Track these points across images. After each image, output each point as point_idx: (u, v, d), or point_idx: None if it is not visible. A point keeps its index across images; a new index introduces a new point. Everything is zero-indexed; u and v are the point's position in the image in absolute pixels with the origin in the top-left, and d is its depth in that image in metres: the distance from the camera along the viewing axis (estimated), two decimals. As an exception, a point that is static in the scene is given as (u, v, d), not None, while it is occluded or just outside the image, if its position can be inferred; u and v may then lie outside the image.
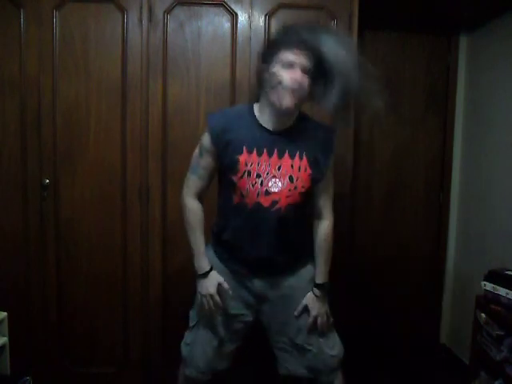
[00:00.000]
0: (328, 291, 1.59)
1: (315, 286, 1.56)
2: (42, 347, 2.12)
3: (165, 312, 2.13)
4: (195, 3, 2.03)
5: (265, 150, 1.43)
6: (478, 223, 2.49)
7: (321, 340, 1.58)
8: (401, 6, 2.43)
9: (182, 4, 2.02)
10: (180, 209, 1.60)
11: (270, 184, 1.43)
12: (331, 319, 1.62)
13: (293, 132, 1.46)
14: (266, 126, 1.45)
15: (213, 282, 1.52)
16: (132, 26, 2.01)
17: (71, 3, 1.99)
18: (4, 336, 1.99)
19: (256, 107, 1.48)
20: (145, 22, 2.01)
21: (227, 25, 2.04)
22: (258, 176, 1.43)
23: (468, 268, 2.58)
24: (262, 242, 1.49)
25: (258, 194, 1.43)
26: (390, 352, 2.68)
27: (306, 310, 1.55)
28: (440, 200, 2.73)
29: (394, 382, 2.43)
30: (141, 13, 2.00)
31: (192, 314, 1.65)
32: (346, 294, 2.17)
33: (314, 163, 1.46)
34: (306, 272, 1.59)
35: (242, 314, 1.60)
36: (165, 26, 2.02)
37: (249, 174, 1.42)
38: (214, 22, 2.04)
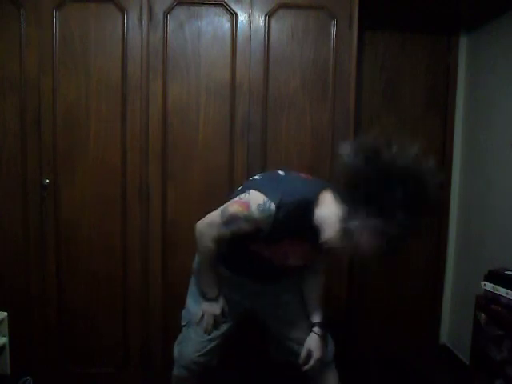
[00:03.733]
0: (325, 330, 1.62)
1: (316, 325, 1.59)
2: (41, 347, 2.12)
3: (165, 312, 2.13)
4: (195, 3, 2.03)
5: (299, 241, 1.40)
6: (478, 223, 2.49)
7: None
8: (401, 6, 2.43)
9: (182, 4, 2.02)
10: (199, 240, 1.48)
11: (283, 262, 1.46)
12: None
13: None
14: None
15: (220, 305, 1.60)
16: (132, 26, 2.01)
17: (71, 3, 1.99)
18: (4, 336, 1.99)
19: (320, 208, 1.30)
20: (145, 22, 2.01)
21: (227, 25, 2.04)
22: (285, 254, 1.43)
23: (468, 268, 2.57)
24: (261, 281, 1.58)
25: (274, 258, 1.45)
26: (390, 352, 2.68)
27: (310, 352, 1.56)
28: (440, 200, 2.72)
29: (394, 381, 2.42)
30: (141, 13, 2.00)
31: (184, 313, 1.68)
32: (345, 294, 2.17)
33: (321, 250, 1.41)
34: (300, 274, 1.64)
35: (233, 312, 1.64)
36: (165, 25, 2.02)
37: (279, 251, 1.42)
38: (214, 22, 2.04)
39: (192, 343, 1.62)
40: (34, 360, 2.12)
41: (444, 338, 2.79)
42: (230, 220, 1.35)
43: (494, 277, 1.94)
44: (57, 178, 2.05)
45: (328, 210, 1.26)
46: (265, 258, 1.44)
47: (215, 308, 1.59)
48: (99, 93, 2.03)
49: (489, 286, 1.94)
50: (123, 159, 2.06)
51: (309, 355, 1.55)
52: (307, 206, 1.29)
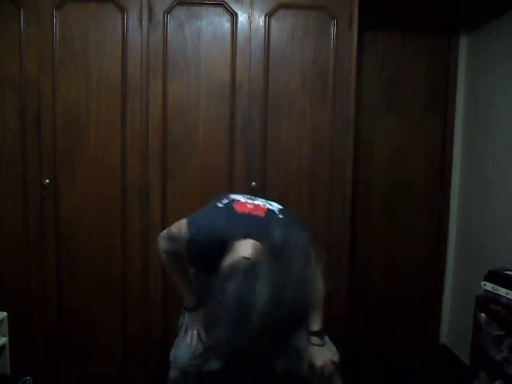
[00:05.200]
0: (324, 338, 1.56)
1: (311, 334, 1.53)
2: (41, 347, 2.12)
3: (165, 312, 2.13)
4: (195, 3, 2.03)
5: None
6: (478, 223, 2.49)
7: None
8: (401, 6, 2.43)
9: (182, 4, 2.02)
10: (158, 253, 1.58)
11: None
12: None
13: None
14: None
15: (201, 317, 1.57)
16: (132, 26, 2.01)
17: (71, 3, 1.99)
18: (4, 336, 1.99)
19: None
20: (145, 22, 2.01)
21: (227, 25, 2.04)
22: None
23: (468, 268, 2.57)
24: None
25: None
26: (390, 352, 2.68)
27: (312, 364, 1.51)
28: (440, 200, 2.73)
29: (394, 381, 2.43)
30: (141, 13, 2.00)
31: (181, 318, 1.67)
32: (345, 294, 2.17)
33: None
34: None
35: None
36: (165, 25, 2.02)
37: None
38: (214, 22, 2.04)
39: (186, 346, 1.60)
40: (34, 360, 2.12)
41: (444, 338, 2.79)
42: (168, 236, 1.51)
43: (494, 277, 1.94)
44: (57, 178, 2.05)
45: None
46: None
47: (196, 320, 1.57)
48: (99, 93, 2.03)
49: (489, 286, 1.94)
50: (123, 159, 2.06)
51: (312, 367, 1.49)
52: (220, 248, 1.29)
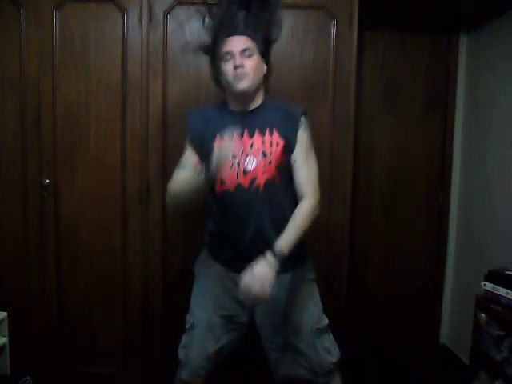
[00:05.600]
0: (281, 264, 1.41)
1: (271, 252, 1.39)
2: (41, 347, 2.12)
3: (165, 312, 2.13)
4: (195, 3, 2.02)
5: (236, 133, 1.42)
6: (478, 223, 2.49)
7: (316, 342, 1.57)
8: (401, 6, 2.43)
9: (182, 4, 2.02)
10: (168, 202, 1.63)
11: (245, 163, 1.48)
12: (325, 321, 1.61)
13: (261, 110, 1.53)
14: (234, 110, 1.53)
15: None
16: (132, 26, 2.01)
17: (71, 3, 1.98)
18: (4, 336, 1.99)
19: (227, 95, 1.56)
20: (145, 22, 2.01)
21: (227, 25, 2.04)
22: (234, 157, 1.45)
23: (468, 268, 2.57)
24: (249, 225, 1.50)
25: (237, 175, 1.48)
26: (390, 352, 2.68)
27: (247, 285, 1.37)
28: (440, 200, 2.73)
29: (394, 381, 2.43)
30: (141, 13, 2.00)
31: (188, 316, 1.65)
32: (345, 294, 2.17)
33: (284, 135, 1.50)
34: (300, 272, 1.60)
35: (238, 315, 1.61)
36: (165, 25, 2.02)
37: None
38: (214, 22, 2.04)
39: (198, 347, 1.58)
40: (34, 360, 2.12)
41: (444, 338, 2.79)
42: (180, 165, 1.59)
43: (494, 277, 1.94)
44: (57, 178, 2.05)
45: None
46: (235, 190, 1.47)
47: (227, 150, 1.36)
48: (99, 93, 2.03)
49: (489, 286, 1.94)
50: (123, 159, 2.06)
51: (247, 288, 1.36)
52: (220, 102, 1.59)
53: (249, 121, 1.50)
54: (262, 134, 1.49)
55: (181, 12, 2.02)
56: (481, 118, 2.48)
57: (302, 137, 1.52)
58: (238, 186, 1.48)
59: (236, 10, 1.47)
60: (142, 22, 2.01)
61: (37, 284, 2.09)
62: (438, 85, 2.66)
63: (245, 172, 1.47)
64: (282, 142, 1.49)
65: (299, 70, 2.07)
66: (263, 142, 1.49)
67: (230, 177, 1.48)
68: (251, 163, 1.47)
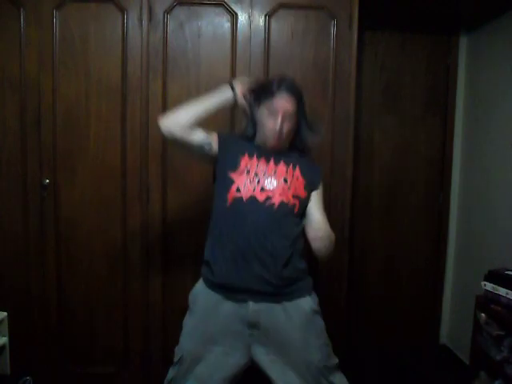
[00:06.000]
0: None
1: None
2: (42, 347, 2.12)
3: (165, 312, 2.13)
4: (195, 3, 2.03)
5: (263, 157, 1.55)
6: (478, 223, 2.49)
7: (322, 381, 1.48)
8: (401, 6, 2.43)
9: (182, 4, 2.02)
10: (167, 130, 1.60)
11: (265, 183, 1.51)
12: (335, 360, 1.53)
13: (288, 152, 1.60)
14: (262, 147, 1.57)
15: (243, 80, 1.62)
16: (132, 26, 2.01)
17: (71, 3, 1.99)
18: (4, 336, 1.99)
19: (257, 133, 1.60)
20: (145, 22, 2.01)
21: (227, 25, 2.04)
22: (256, 175, 1.51)
23: (468, 268, 2.58)
24: (254, 237, 1.44)
25: (254, 189, 1.49)
26: (390, 352, 2.68)
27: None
28: (440, 200, 2.73)
29: (394, 381, 2.43)
30: (141, 13, 2.00)
31: (176, 349, 1.55)
32: (345, 294, 2.17)
33: (306, 175, 1.57)
34: (304, 303, 1.51)
35: (231, 352, 1.49)
36: (165, 25, 2.02)
37: (248, 172, 1.51)
38: (214, 22, 2.04)
39: (190, 331, 1.52)
40: (34, 360, 2.12)
41: (444, 338, 2.79)
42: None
43: (494, 277, 1.94)
44: (57, 178, 2.05)
45: None
46: (248, 200, 1.47)
47: (240, 83, 1.59)
48: (99, 93, 2.03)
49: (489, 286, 1.94)
50: (123, 159, 2.06)
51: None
52: (248, 136, 1.61)
53: (276, 154, 1.56)
54: (287, 165, 1.56)
55: (181, 12, 2.02)
56: (481, 118, 2.48)
57: (320, 192, 1.62)
58: (252, 198, 1.47)
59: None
60: (142, 22, 2.01)
61: (37, 284, 2.09)
62: (438, 85, 2.66)
63: (262, 189, 1.49)
64: (302, 180, 1.56)
65: (299, 69, 2.07)
66: (286, 171, 1.54)
67: (246, 187, 1.49)
68: (271, 184, 1.50)
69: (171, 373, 1.56)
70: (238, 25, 2.03)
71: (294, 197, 1.51)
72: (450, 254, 2.74)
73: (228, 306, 1.48)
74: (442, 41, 2.63)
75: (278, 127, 1.49)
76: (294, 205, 1.50)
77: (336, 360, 1.54)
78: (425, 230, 2.73)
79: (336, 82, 2.08)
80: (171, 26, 2.03)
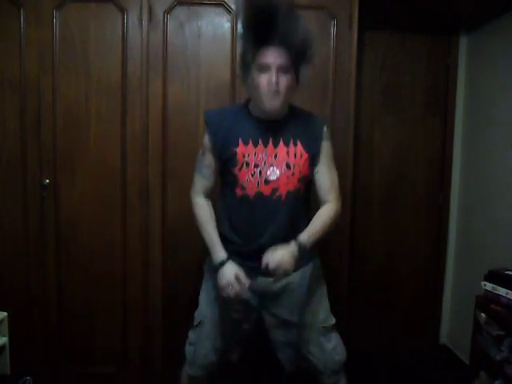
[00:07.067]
0: (304, 255, 1.47)
1: (295, 241, 1.45)
2: (42, 347, 2.12)
3: (165, 312, 2.13)
4: (195, 3, 2.03)
5: (260, 141, 1.47)
6: (478, 223, 2.49)
7: (322, 340, 1.58)
8: (401, 6, 2.43)
9: (182, 4, 2.02)
10: (190, 209, 1.62)
11: (268, 173, 1.46)
12: (332, 320, 1.62)
13: (285, 121, 1.50)
14: (258, 117, 1.49)
15: (232, 270, 1.47)
16: (132, 26, 2.01)
17: (71, 3, 1.98)
18: (4, 336, 1.99)
19: (251, 101, 1.52)
20: (145, 22, 2.01)
21: (227, 25, 2.04)
22: (256, 166, 1.46)
23: (468, 268, 2.58)
24: (265, 231, 1.49)
25: (258, 184, 1.47)
26: (390, 352, 2.68)
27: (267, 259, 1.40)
28: (440, 200, 2.73)
29: (394, 381, 2.43)
30: (141, 13, 2.00)
31: (196, 313, 1.65)
32: (346, 294, 2.17)
33: (308, 148, 1.50)
34: (308, 269, 1.59)
35: (246, 317, 1.61)
36: (165, 25, 2.02)
37: (247, 164, 1.46)
38: (214, 22, 2.04)
39: (206, 344, 1.60)
40: (34, 360, 2.12)
41: (444, 338, 2.79)
42: (198, 157, 1.59)
43: (494, 277, 1.94)
44: (57, 178, 2.05)
45: None
46: (255, 197, 1.46)
47: (229, 275, 1.44)
48: (99, 93, 2.03)
49: (489, 286, 1.94)
50: (123, 159, 2.06)
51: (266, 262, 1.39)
52: (241, 105, 1.55)
53: (273, 130, 1.48)
54: (287, 144, 1.48)
55: (181, 12, 2.02)
56: (481, 118, 2.48)
57: (325, 148, 1.54)
58: (258, 194, 1.47)
59: (267, 19, 1.35)
60: (142, 22, 2.01)
61: (37, 284, 2.09)
62: (438, 85, 2.66)
63: (266, 181, 1.47)
64: (306, 155, 1.49)
65: (299, 69, 2.07)
66: (287, 153, 1.48)
67: (250, 184, 1.47)
68: (275, 173, 1.46)
69: (192, 335, 1.65)
70: (238, 25, 2.03)
71: (300, 180, 1.50)
72: (450, 253, 2.74)
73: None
74: (441, 41, 2.63)
75: (273, 78, 1.36)
76: (300, 188, 1.51)
77: (333, 321, 1.62)
78: (425, 229, 2.73)
79: (336, 82, 2.08)
80: (171, 25, 2.03)
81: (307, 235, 1.48)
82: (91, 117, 2.04)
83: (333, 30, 2.06)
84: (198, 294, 1.68)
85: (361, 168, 2.61)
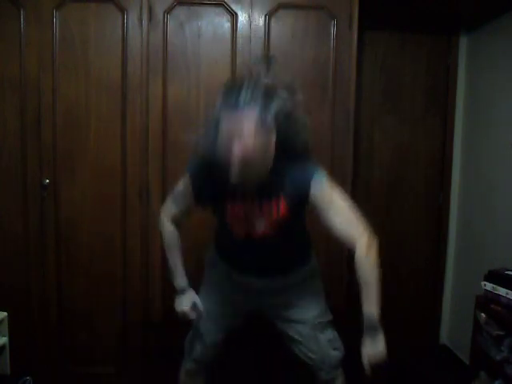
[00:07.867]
0: (377, 327, 1.56)
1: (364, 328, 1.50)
2: (42, 347, 2.12)
3: (165, 312, 2.13)
4: (195, 3, 2.03)
5: (247, 197, 1.38)
6: (478, 223, 2.49)
7: (318, 336, 1.61)
8: (401, 6, 2.43)
9: (182, 4, 2.02)
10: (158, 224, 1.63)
11: (255, 224, 1.42)
12: (329, 317, 1.67)
13: (268, 180, 1.33)
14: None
15: (188, 300, 1.58)
16: (132, 26, 2.01)
17: (71, 3, 1.98)
18: (4, 336, 1.99)
19: None
20: (145, 22, 2.01)
21: (227, 25, 2.04)
22: (246, 217, 1.41)
23: (468, 268, 2.57)
24: (255, 262, 1.53)
25: (246, 230, 1.44)
26: (390, 352, 2.67)
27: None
28: (440, 200, 2.72)
29: (394, 381, 2.42)
30: (141, 13, 2.00)
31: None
32: (346, 294, 2.17)
33: (291, 199, 1.39)
34: (303, 270, 1.63)
35: (239, 315, 1.68)
36: (165, 25, 2.02)
37: (237, 216, 1.42)
38: (214, 22, 2.04)
39: (203, 337, 1.63)
40: (34, 360, 2.12)
41: (444, 338, 2.79)
42: (172, 198, 1.57)
43: (494, 277, 1.94)
44: (57, 178, 2.05)
45: None
46: (244, 238, 1.46)
47: (183, 304, 1.57)
48: (99, 93, 2.03)
49: (489, 286, 1.94)
50: (123, 159, 2.06)
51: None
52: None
53: (257, 189, 1.35)
54: (270, 201, 1.38)
55: (181, 12, 2.02)
56: (481, 118, 2.48)
57: (319, 197, 1.41)
58: (246, 237, 1.46)
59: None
60: (142, 22, 2.01)
61: (37, 284, 2.09)
62: (438, 85, 2.66)
63: (254, 228, 1.43)
64: (288, 208, 1.39)
65: (299, 70, 2.07)
66: (270, 211, 1.39)
67: (238, 229, 1.45)
68: (261, 224, 1.42)
69: (191, 332, 1.69)
70: (238, 25, 2.03)
71: (284, 219, 1.41)
72: (450, 254, 2.74)
73: (235, 277, 1.59)
74: (441, 41, 2.63)
75: (241, 150, 1.16)
76: (286, 220, 1.42)
77: (330, 317, 1.67)
78: (425, 229, 2.73)
79: (336, 82, 2.08)
80: (171, 25, 2.03)
81: (372, 309, 1.58)
82: (91, 117, 2.04)
83: (333, 30, 2.06)
84: (198, 293, 1.68)
85: (361, 168, 2.61)
